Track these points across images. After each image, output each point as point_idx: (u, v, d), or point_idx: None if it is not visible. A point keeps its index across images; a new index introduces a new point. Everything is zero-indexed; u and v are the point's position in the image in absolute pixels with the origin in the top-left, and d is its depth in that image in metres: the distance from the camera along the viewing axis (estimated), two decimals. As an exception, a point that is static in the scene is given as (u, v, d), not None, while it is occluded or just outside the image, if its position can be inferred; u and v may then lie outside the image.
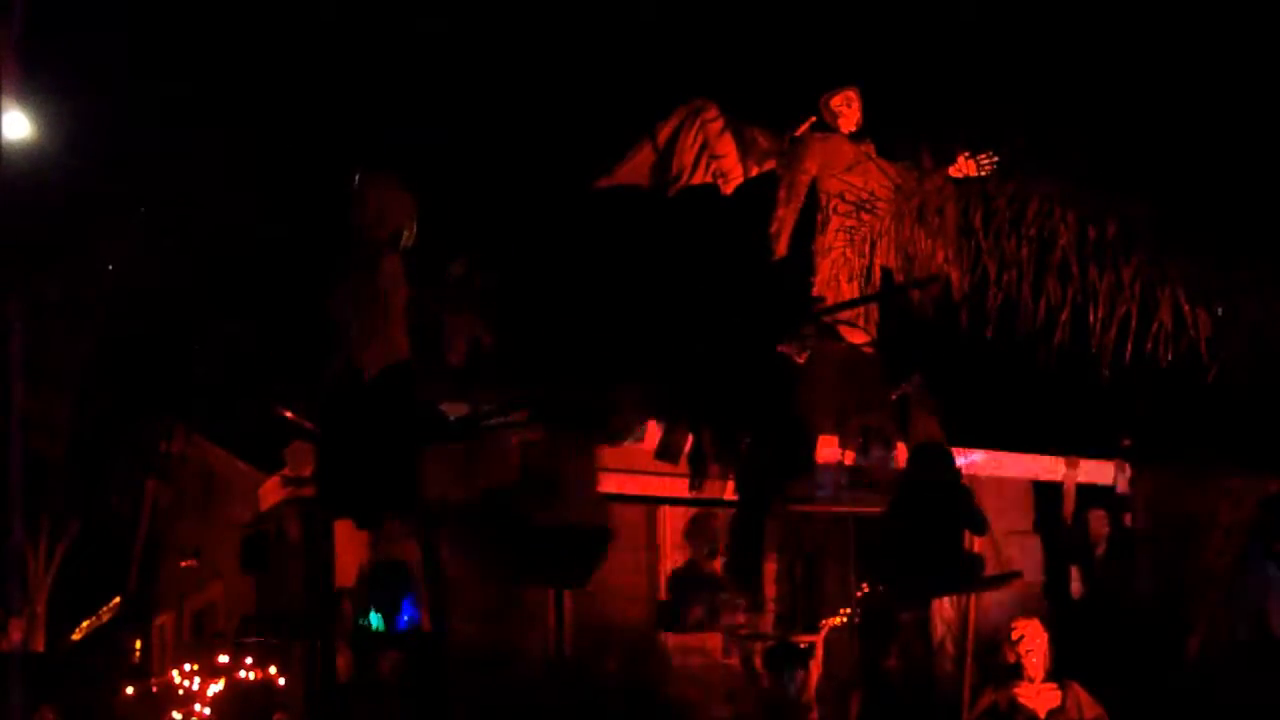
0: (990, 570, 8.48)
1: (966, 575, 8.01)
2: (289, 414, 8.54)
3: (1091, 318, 7.60)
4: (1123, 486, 10.22)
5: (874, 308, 8.28)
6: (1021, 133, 8.03)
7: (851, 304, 8.00)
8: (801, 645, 8.31)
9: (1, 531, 8.73)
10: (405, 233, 7.67)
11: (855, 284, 8.11)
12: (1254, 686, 9.04)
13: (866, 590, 8.61)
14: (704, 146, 8.15)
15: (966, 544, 8.03)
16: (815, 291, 8.11)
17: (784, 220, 8.18)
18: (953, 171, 7.92)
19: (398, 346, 8.00)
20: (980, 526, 8.01)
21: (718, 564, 8.87)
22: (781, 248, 8.18)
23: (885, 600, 8.59)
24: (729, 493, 8.26)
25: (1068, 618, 9.38)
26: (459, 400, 8.50)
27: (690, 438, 8.18)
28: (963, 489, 7.98)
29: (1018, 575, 8.90)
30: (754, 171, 8.26)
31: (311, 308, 8.46)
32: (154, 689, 10.48)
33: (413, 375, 8.02)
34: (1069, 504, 10.23)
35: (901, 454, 8.10)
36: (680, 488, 8.57)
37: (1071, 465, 10.30)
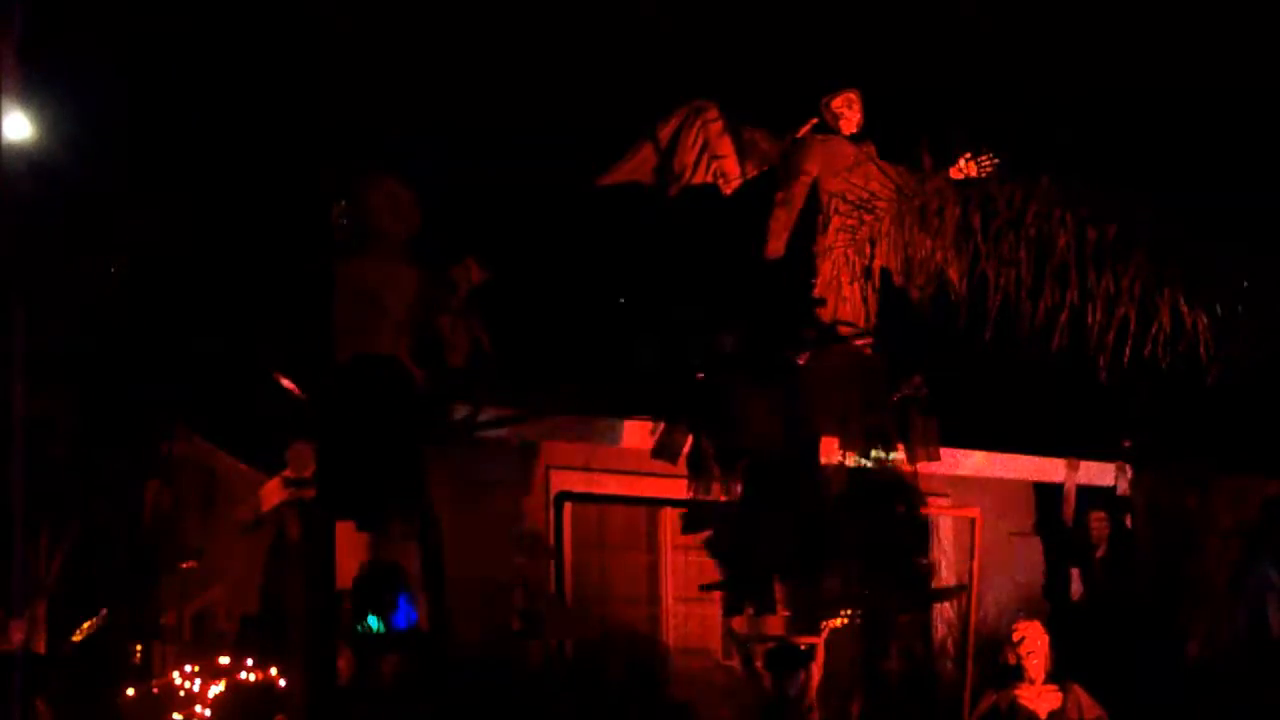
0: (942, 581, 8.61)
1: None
2: (287, 382, 8.52)
3: (1091, 319, 7.61)
4: (1123, 488, 10.24)
5: (874, 309, 8.28)
6: (1022, 134, 8.05)
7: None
8: (802, 647, 8.30)
9: (2, 532, 8.73)
10: (406, 232, 7.69)
11: (856, 285, 8.12)
12: (1254, 686, 9.04)
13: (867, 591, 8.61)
14: (705, 146, 8.16)
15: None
16: (816, 292, 8.12)
17: (784, 221, 8.18)
18: (953, 173, 7.93)
19: (397, 347, 8.02)
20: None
21: None
22: (780, 248, 8.19)
23: (887, 601, 8.59)
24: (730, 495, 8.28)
25: (1068, 619, 9.38)
26: (459, 401, 8.53)
27: (690, 438, 8.19)
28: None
29: (963, 589, 8.96)
30: (754, 172, 8.27)
31: (312, 308, 8.47)
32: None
33: (412, 375, 8.04)
34: (1069, 505, 10.24)
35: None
36: (680, 489, 8.58)
37: (1072, 467, 10.31)
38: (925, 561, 8.27)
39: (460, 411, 8.59)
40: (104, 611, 11.73)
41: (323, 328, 8.24)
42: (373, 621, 8.15)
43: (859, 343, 8.22)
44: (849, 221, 8.11)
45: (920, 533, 8.23)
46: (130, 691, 10.48)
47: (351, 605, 8.26)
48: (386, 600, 8.18)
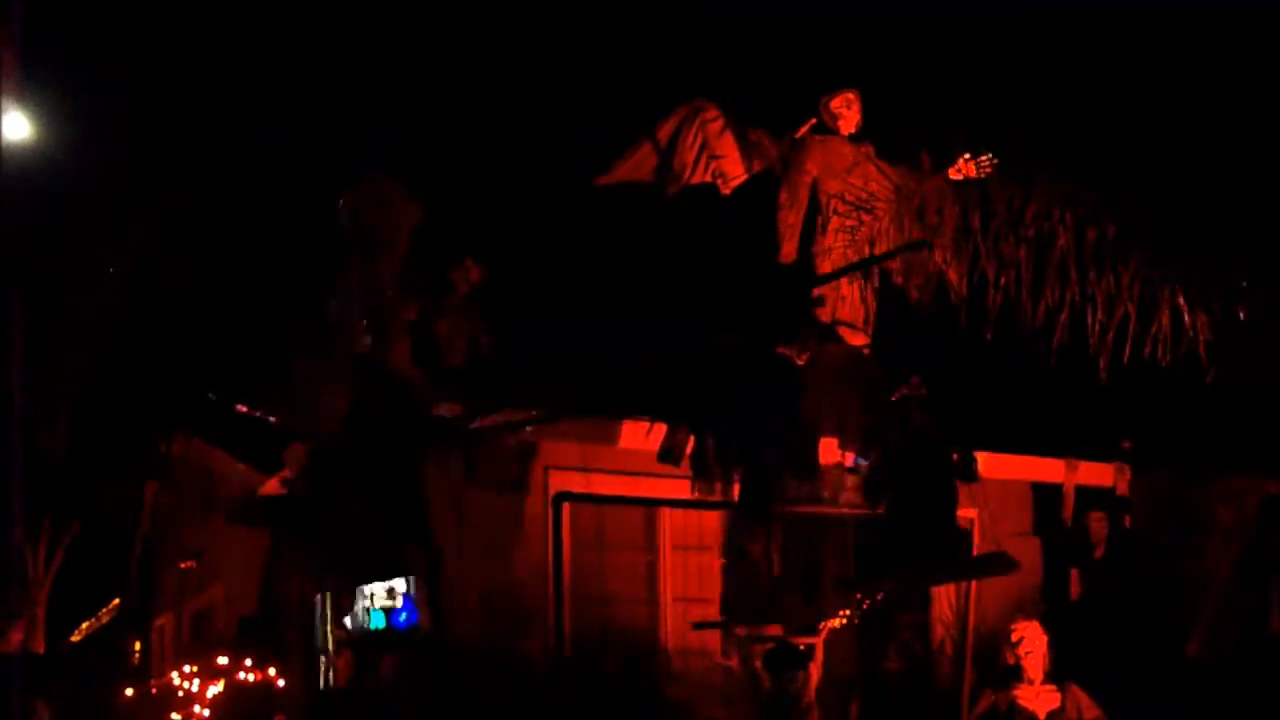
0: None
1: (958, 556, 8.03)
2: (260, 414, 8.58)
3: (1091, 319, 7.61)
4: (1122, 488, 10.23)
5: (873, 310, 8.28)
6: (1021, 135, 8.04)
7: (839, 274, 7.97)
8: (801, 647, 8.30)
9: (2, 532, 8.73)
10: (405, 234, 7.70)
11: (855, 285, 8.12)
12: (1254, 687, 9.04)
13: (866, 591, 8.61)
14: (704, 146, 8.16)
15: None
16: (816, 292, 8.11)
17: (791, 224, 8.18)
18: (952, 173, 7.93)
19: (396, 348, 8.03)
20: (971, 475, 8.08)
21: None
22: (793, 251, 8.18)
23: (885, 599, 8.59)
24: (730, 495, 8.28)
25: (1067, 619, 9.37)
26: (458, 401, 8.53)
27: (692, 440, 8.19)
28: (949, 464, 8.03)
29: (1013, 562, 8.89)
30: (754, 170, 8.27)
31: (311, 308, 8.48)
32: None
33: (410, 376, 8.06)
34: (1069, 506, 10.23)
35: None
36: (679, 490, 8.58)
37: (1071, 467, 10.30)
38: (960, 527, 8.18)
39: (458, 412, 8.59)
40: (116, 601, 11.72)
41: (321, 329, 8.26)
42: (376, 618, 8.16)
43: (858, 343, 8.22)
44: (848, 222, 8.11)
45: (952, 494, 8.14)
46: (129, 691, 10.49)
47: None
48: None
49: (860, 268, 7.96)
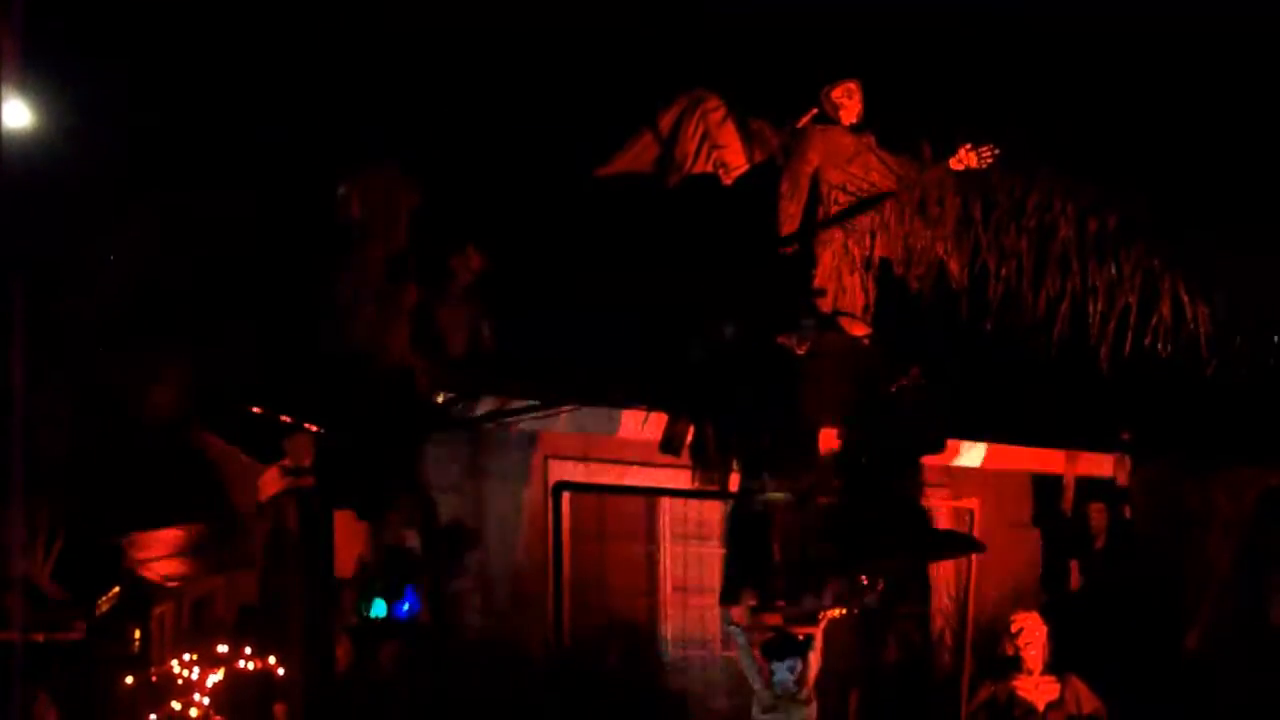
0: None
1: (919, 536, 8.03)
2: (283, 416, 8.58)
3: (1091, 310, 7.62)
4: (1122, 479, 10.23)
5: (874, 301, 8.27)
6: (1022, 127, 8.04)
7: (823, 224, 7.95)
8: (800, 637, 8.29)
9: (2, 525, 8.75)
10: (404, 219, 7.70)
11: (856, 275, 8.11)
12: (1254, 680, 9.05)
13: (865, 582, 8.60)
14: (705, 136, 8.14)
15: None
16: (817, 283, 8.10)
17: (791, 214, 8.17)
18: (954, 164, 7.91)
19: (397, 337, 8.04)
20: (938, 446, 8.09)
21: None
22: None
23: (885, 588, 8.58)
24: (730, 485, 8.27)
25: (1067, 610, 9.38)
26: (458, 390, 8.53)
27: (692, 430, 8.19)
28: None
29: (977, 543, 8.88)
30: (756, 160, 8.26)
31: (311, 301, 8.48)
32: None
33: (412, 366, 8.06)
34: (1069, 497, 10.24)
35: None
36: (679, 480, 8.58)
37: (1071, 458, 10.30)
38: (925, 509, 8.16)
39: (459, 401, 8.60)
40: (116, 590, 11.70)
41: (322, 319, 8.26)
42: (374, 609, 8.16)
43: (858, 334, 8.21)
44: (849, 212, 8.10)
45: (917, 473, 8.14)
46: (129, 679, 10.51)
47: (354, 595, 8.28)
48: (395, 585, 8.18)
49: (836, 222, 7.93)
